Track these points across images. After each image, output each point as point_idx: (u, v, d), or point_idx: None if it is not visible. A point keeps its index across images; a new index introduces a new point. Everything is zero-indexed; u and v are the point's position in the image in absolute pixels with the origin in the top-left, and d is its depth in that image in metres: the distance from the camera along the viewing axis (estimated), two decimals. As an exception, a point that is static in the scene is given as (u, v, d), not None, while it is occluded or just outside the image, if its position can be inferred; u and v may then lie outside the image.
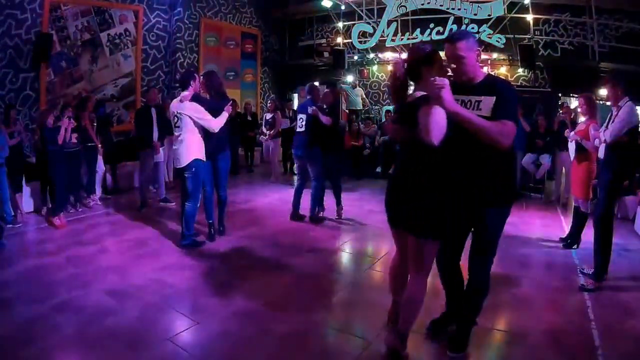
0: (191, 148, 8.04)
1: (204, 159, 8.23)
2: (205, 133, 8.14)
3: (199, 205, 8.29)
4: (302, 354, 4.87)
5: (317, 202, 10.32)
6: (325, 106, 9.93)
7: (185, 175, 7.98)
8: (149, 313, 5.74)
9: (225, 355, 4.82)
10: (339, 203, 10.67)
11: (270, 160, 16.37)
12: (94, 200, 11.62)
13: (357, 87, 19.58)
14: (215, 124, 8.03)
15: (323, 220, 10.35)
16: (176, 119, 7.88)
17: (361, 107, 19.53)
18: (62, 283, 6.60)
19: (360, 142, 16.79)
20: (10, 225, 9.24)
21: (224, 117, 8.17)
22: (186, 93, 7.99)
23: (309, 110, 9.54)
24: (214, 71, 8.46)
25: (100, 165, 11.85)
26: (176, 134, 8.01)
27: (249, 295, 6.19)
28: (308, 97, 10.01)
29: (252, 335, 5.09)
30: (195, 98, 8.10)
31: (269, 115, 16.30)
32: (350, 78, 19.93)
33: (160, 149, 11.51)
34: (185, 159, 8.01)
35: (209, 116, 7.98)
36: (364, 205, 11.80)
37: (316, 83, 17.98)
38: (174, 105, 7.97)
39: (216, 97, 8.47)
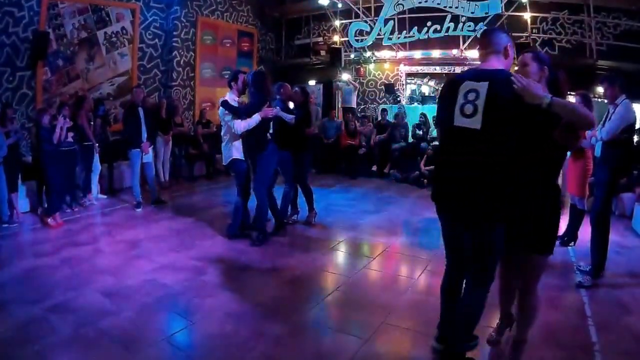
0: (229, 149, 8.55)
1: (243, 158, 8.63)
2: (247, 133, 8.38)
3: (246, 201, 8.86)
4: (297, 354, 4.87)
5: (290, 205, 10.10)
6: (292, 105, 9.75)
7: (231, 173, 8.46)
8: (145, 314, 5.74)
9: (221, 356, 4.81)
10: (311, 209, 10.31)
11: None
12: (90, 200, 11.62)
13: (352, 85, 19.63)
14: (239, 126, 8.14)
15: (292, 223, 10.15)
16: (221, 120, 8.19)
17: (355, 106, 19.57)
18: (58, 284, 6.59)
19: (356, 140, 16.75)
20: (6, 225, 9.28)
21: (253, 119, 8.16)
22: (227, 96, 8.45)
23: (272, 111, 9.21)
24: (260, 70, 8.49)
25: (97, 165, 11.83)
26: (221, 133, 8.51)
27: (244, 296, 6.17)
28: (277, 96, 9.80)
29: (247, 335, 5.08)
30: (224, 103, 8.29)
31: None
32: (345, 76, 19.96)
33: (150, 149, 11.43)
34: (225, 159, 8.73)
35: (234, 118, 8.19)
36: (359, 204, 11.78)
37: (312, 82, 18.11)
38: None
39: (255, 97, 8.48)
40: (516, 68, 4.42)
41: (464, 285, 4.56)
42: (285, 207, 9.87)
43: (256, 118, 8.15)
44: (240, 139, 8.47)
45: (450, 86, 4.19)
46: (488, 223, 3.99)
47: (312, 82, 20.50)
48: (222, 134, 8.57)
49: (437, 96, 5.29)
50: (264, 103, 8.33)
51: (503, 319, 5.21)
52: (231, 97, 8.43)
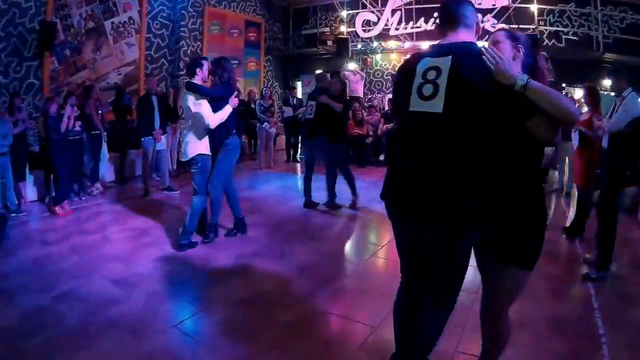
0: (194, 142, 7.76)
1: (209, 153, 7.89)
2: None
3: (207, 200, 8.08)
4: (306, 341, 4.88)
5: (331, 189, 10.32)
6: (334, 94, 9.82)
7: (192, 169, 7.81)
8: (153, 301, 5.77)
9: (231, 343, 4.82)
10: (354, 192, 10.58)
11: (268, 147, 16.26)
12: (98, 189, 11.67)
13: (358, 74, 19.63)
14: (214, 119, 7.56)
15: (339, 207, 10.39)
16: (181, 110, 7.82)
17: (362, 95, 19.60)
18: (66, 272, 6.64)
19: (364, 130, 16.77)
20: (14, 214, 9.32)
21: (225, 112, 7.70)
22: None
23: (320, 99, 9.44)
24: (223, 57, 8.14)
25: (105, 153, 11.86)
26: (182, 126, 7.93)
27: (253, 283, 6.19)
28: (318, 85, 10.01)
29: (256, 322, 5.09)
30: (191, 86, 7.68)
31: (267, 102, 16.26)
32: (352, 66, 19.99)
33: (162, 137, 11.49)
34: (188, 153, 7.78)
35: (207, 110, 7.56)
36: (367, 193, 11.78)
37: (319, 71, 18.10)
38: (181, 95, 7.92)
39: (221, 87, 7.90)
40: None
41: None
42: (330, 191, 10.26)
43: (227, 109, 7.78)
44: (207, 132, 7.81)
45: (406, 67, 3.50)
46: (458, 225, 3.25)
47: (318, 72, 20.37)
48: (185, 125, 8.22)
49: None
50: (232, 93, 7.97)
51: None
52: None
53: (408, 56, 3.69)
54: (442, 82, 3.14)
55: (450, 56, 3.16)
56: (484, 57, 3.08)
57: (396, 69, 3.32)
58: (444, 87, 3.12)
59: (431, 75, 3.21)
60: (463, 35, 3.38)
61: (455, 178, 3.17)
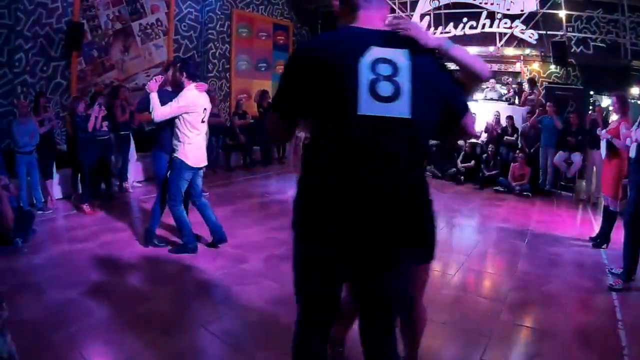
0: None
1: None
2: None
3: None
4: (330, 348, 4.83)
5: None
6: None
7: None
8: (183, 300, 5.83)
9: (260, 343, 4.85)
10: None
11: (297, 150, 16.26)
12: (126, 188, 11.78)
13: None
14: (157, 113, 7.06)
15: None
16: (205, 111, 7.52)
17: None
18: (94, 268, 6.70)
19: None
20: (41, 212, 9.37)
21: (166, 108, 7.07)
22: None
23: None
24: (184, 61, 7.79)
25: (133, 153, 11.98)
26: (204, 129, 7.61)
27: (284, 284, 6.16)
28: None
29: (286, 323, 5.08)
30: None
31: None
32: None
33: None
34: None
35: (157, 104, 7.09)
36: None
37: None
38: (201, 95, 7.55)
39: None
40: None
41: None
42: None
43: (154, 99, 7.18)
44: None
45: (323, 56, 2.63)
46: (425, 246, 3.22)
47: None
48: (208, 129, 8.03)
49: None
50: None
51: None
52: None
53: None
54: (404, 80, 2.58)
55: (407, 50, 2.61)
56: (396, 30, 2.65)
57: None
58: (409, 86, 2.58)
59: (385, 70, 2.57)
60: (377, 18, 2.77)
61: (420, 192, 2.93)
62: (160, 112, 6.98)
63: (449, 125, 2.89)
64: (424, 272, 3.86)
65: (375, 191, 2.60)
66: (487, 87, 17.90)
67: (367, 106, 2.53)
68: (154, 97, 7.04)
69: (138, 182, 12.55)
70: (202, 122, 7.31)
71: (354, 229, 2.63)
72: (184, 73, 7.24)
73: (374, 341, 3.11)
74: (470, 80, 2.89)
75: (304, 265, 3.06)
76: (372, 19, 2.72)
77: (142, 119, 11.41)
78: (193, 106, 7.08)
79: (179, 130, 7.10)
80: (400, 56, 2.59)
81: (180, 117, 7.04)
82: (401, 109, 2.56)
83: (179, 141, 7.12)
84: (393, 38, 2.64)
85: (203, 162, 7.48)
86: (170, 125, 7.16)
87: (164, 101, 7.04)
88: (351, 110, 2.53)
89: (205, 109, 7.32)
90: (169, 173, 7.30)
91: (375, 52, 2.57)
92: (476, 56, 2.96)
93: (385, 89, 2.55)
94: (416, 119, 2.57)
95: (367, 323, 3.13)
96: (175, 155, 7.17)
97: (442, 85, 2.73)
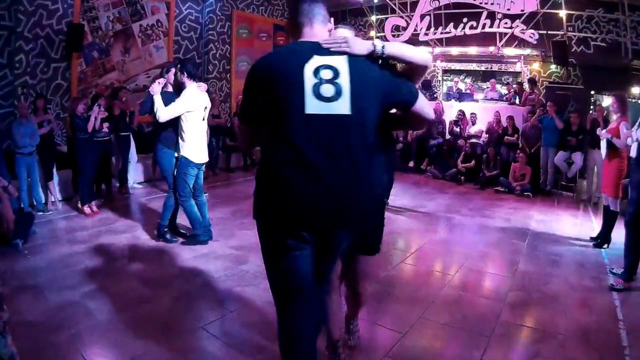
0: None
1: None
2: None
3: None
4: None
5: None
6: None
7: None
8: (183, 301, 5.81)
9: (260, 344, 4.85)
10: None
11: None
12: (126, 189, 11.78)
13: None
14: (162, 114, 7.30)
15: None
16: (206, 110, 7.71)
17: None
18: (94, 270, 6.71)
19: (394, 134, 16.65)
20: (41, 213, 9.42)
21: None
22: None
23: None
24: (183, 62, 7.94)
25: (133, 155, 11.99)
26: (205, 127, 7.78)
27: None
28: None
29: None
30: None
31: None
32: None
33: None
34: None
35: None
36: (396, 200, 11.78)
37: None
38: (202, 95, 7.73)
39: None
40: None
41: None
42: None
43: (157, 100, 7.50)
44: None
45: (277, 68, 3.12)
46: (372, 230, 3.67)
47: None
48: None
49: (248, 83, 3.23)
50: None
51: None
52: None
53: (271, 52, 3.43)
54: (344, 82, 3.04)
55: (346, 55, 3.08)
56: (330, 48, 3.08)
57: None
58: (348, 87, 3.03)
59: (326, 74, 3.03)
60: (319, 32, 3.30)
61: (365, 180, 3.16)
62: (165, 112, 7.20)
63: (404, 115, 3.47)
64: (371, 263, 4.45)
65: (322, 179, 3.00)
66: (488, 87, 17.95)
67: (312, 106, 3.00)
68: (158, 99, 7.25)
69: (138, 183, 12.56)
70: (203, 119, 7.56)
71: (304, 212, 3.05)
72: (185, 73, 7.44)
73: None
74: (414, 70, 3.33)
75: (268, 251, 3.43)
76: (315, 34, 3.25)
77: (143, 120, 11.43)
78: (195, 105, 7.33)
79: (182, 128, 7.35)
80: (340, 62, 3.05)
81: (183, 116, 7.28)
82: (342, 107, 3.01)
83: (183, 140, 7.37)
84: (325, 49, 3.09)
85: (205, 158, 7.78)
86: (171, 124, 7.32)
87: (166, 102, 7.26)
88: (300, 111, 2.99)
89: (205, 107, 7.58)
90: (175, 171, 7.56)
91: (317, 60, 3.05)
92: (416, 48, 3.36)
93: (327, 90, 3.01)
94: (355, 114, 3.02)
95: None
96: (180, 153, 7.42)
97: (382, 82, 3.16)
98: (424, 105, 3.34)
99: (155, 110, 7.28)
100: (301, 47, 3.20)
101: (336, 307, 4.27)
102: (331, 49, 3.06)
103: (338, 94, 3.02)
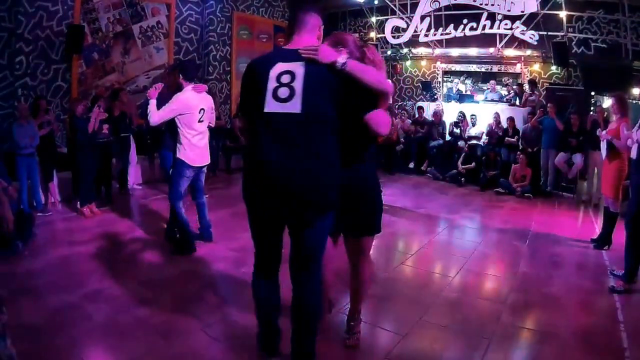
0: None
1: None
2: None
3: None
4: (335, 347, 4.88)
5: None
6: None
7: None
8: (183, 303, 5.79)
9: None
10: None
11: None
12: (126, 191, 11.78)
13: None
14: (152, 118, 7.24)
15: None
16: (202, 112, 7.57)
17: (391, 101, 19.57)
18: (93, 273, 6.68)
19: (395, 135, 16.68)
20: (41, 214, 9.38)
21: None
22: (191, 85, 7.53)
23: None
24: (182, 64, 8.00)
25: (133, 156, 12.00)
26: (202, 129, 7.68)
27: (285, 288, 6.16)
28: None
29: (287, 327, 5.07)
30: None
31: None
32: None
33: None
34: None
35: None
36: (397, 201, 11.79)
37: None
38: (197, 97, 7.58)
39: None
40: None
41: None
42: None
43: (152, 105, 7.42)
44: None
45: (255, 71, 3.83)
46: (320, 210, 3.81)
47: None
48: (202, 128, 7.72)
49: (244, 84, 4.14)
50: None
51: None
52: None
53: (255, 59, 4.03)
54: (298, 85, 3.60)
55: (304, 61, 3.64)
56: (302, 55, 3.63)
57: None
58: (301, 90, 3.59)
59: (285, 79, 3.64)
60: (306, 39, 3.87)
61: (315, 169, 3.67)
62: (154, 116, 7.16)
63: (355, 119, 3.88)
64: (365, 243, 4.67)
65: (277, 166, 3.64)
66: (488, 89, 17.95)
67: (270, 106, 3.66)
68: (152, 103, 7.21)
69: (138, 184, 12.55)
70: (201, 122, 7.43)
71: (269, 195, 3.74)
72: (181, 75, 7.47)
73: (296, 283, 4.18)
74: (373, 90, 3.78)
75: (251, 223, 4.11)
76: (301, 41, 3.84)
77: (139, 122, 11.43)
78: (186, 108, 7.21)
79: (178, 131, 7.28)
80: (297, 67, 3.63)
81: (176, 119, 7.20)
82: (293, 106, 3.59)
83: (179, 142, 7.30)
84: (297, 54, 3.67)
85: (204, 161, 7.67)
86: (170, 127, 7.32)
87: (163, 105, 7.21)
88: (261, 109, 3.69)
89: (202, 109, 7.42)
90: (170, 170, 7.44)
91: (280, 66, 3.68)
92: (378, 73, 3.85)
93: (283, 92, 3.62)
94: (305, 112, 3.58)
95: (291, 269, 4.17)
96: (176, 155, 7.37)
97: (335, 87, 3.64)
98: (377, 120, 3.91)
99: (147, 113, 7.26)
100: (276, 53, 4.03)
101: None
102: (303, 55, 3.62)
103: (292, 95, 3.60)
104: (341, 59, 3.61)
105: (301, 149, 3.63)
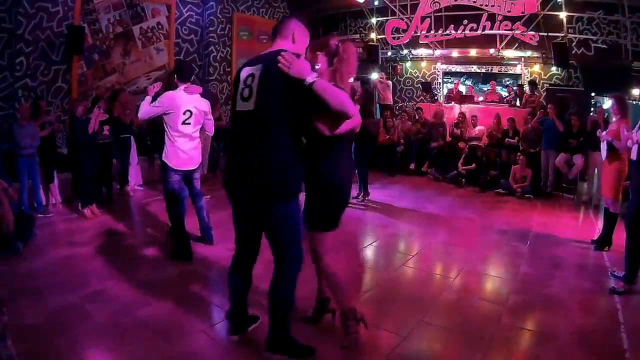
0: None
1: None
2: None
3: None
4: (337, 347, 4.87)
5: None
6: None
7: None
8: (183, 304, 5.78)
9: (261, 348, 4.76)
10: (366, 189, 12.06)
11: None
12: (127, 192, 11.78)
13: (384, 82, 19.62)
14: (140, 112, 7.34)
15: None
16: (189, 113, 7.39)
17: (391, 102, 19.60)
18: (94, 273, 6.68)
19: (395, 136, 16.72)
20: (41, 215, 9.38)
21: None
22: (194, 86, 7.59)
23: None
24: (178, 64, 7.97)
25: (134, 157, 12.00)
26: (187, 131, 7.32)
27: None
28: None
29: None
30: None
31: None
32: (374, 75, 19.94)
33: None
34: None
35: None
36: (397, 202, 11.79)
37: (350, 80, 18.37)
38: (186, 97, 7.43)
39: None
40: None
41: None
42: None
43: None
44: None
45: (236, 76, 4.39)
46: (273, 197, 4.14)
47: (350, 79, 20.21)
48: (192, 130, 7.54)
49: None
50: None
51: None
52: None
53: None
54: (255, 85, 4.06)
55: (261, 64, 4.09)
56: (280, 63, 3.88)
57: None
58: (256, 90, 4.05)
59: (249, 81, 4.13)
60: (278, 44, 4.32)
61: (265, 160, 4.06)
62: (142, 110, 7.19)
63: (307, 119, 4.21)
64: (318, 238, 4.86)
65: (241, 158, 4.24)
66: (488, 90, 17.95)
67: (237, 105, 4.26)
68: (147, 99, 7.24)
69: (139, 185, 12.54)
70: (186, 124, 7.21)
71: (238, 184, 4.33)
72: (175, 75, 7.53)
73: (274, 273, 4.65)
74: (336, 110, 3.96)
75: (232, 213, 4.69)
76: (276, 45, 4.33)
77: (138, 123, 11.44)
78: (171, 106, 7.07)
79: (164, 132, 7.24)
80: (257, 70, 4.09)
81: (163, 118, 7.15)
82: (250, 105, 4.08)
83: (164, 143, 7.26)
84: (261, 58, 4.21)
85: (189, 165, 7.41)
86: (157, 128, 7.35)
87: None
88: (234, 108, 4.35)
89: (189, 110, 7.20)
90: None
91: (246, 70, 4.24)
92: (342, 97, 4.00)
93: (246, 92, 4.13)
94: (257, 110, 4.04)
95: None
96: (162, 157, 7.33)
97: (283, 90, 3.96)
98: (321, 123, 4.22)
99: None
100: (253, 58, 4.41)
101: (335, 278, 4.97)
102: (279, 65, 3.89)
103: (250, 95, 4.09)
104: (310, 78, 3.83)
105: (254, 143, 4.11)
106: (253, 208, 4.31)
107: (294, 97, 3.95)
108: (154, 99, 7.23)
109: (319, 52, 4.59)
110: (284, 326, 4.56)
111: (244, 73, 4.22)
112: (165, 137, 7.20)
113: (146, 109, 7.13)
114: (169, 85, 7.63)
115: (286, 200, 4.16)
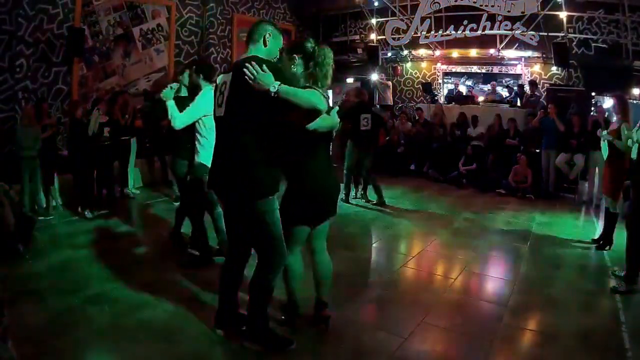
0: None
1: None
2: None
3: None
4: (338, 350, 4.88)
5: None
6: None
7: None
8: (185, 306, 5.76)
9: (262, 350, 4.75)
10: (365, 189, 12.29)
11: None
12: (127, 194, 11.75)
13: (384, 83, 19.63)
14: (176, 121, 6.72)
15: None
16: None
17: (392, 103, 19.60)
18: (95, 276, 6.67)
19: (395, 137, 16.71)
20: (42, 218, 9.34)
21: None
22: None
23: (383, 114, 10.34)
24: (199, 63, 7.87)
25: (135, 159, 11.97)
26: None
27: (284, 291, 6.14)
28: (357, 100, 11.64)
29: (285, 330, 5.07)
30: None
31: None
32: (374, 76, 19.91)
33: None
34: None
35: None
36: (398, 202, 11.79)
37: (350, 80, 18.39)
38: None
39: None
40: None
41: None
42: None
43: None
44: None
45: (216, 83, 4.71)
46: (248, 197, 4.33)
47: (350, 80, 20.49)
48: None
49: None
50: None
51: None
52: None
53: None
54: (226, 92, 4.35)
55: (231, 72, 4.36)
56: (245, 72, 4.06)
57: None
58: (226, 97, 4.34)
59: (222, 88, 4.44)
60: (250, 49, 4.53)
61: (242, 163, 4.29)
62: (180, 119, 6.62)
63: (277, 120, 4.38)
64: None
65: (220, 159, 4.53)
66: (489, 90, 17.94)
67: (216, 111, 4.58)
68: (172, 105, 6.64)
69: (139, 187, 12.52)
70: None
71: (218, 184, 4.60)
72: (201, 75, 7.06)
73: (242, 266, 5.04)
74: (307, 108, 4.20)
75: (224, 214, 5.06)
76: (249, 50, 4.54)
77: (138, 125, 11.41)
78: (211, 108, 6.90)
79: (199, 134, 6.85)
80: (228, 78, 4.36)
81: (199, 120, 6.76)
82: (222, 111, 4.40)
83: (200, 144, 6.86)
84: (234, 66, 4.46)
85: None
86: (186, 131, 6.92)
87: (180, 107, 6.68)
88: (215, 114, 4.63)
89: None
90: (188, 177, 7.24)
91: (222, 77, 4.57)
92: (310, 94, 4.24)
93: (220, 99, 4.45)
94: (227, 116, 4.36)
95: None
96: (197, 159, 6.93)
97: (252, 98, 4.16)
98: (295, 117, 4.36)
99: (170, 117, 6.64)
100: (231, 65, 4.70)
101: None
102: (246, 77, 4.08)
103: (222, 101, 4.40)
104: (272, 88, 4.02)
105: (227, 146, 4.42)
106: (234, 207, 4.61)
107: (262, 103, 4.14)
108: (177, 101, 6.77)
109: (295, 55, 4.73)
110: (261, 315, 4.77)
111: (220, 81, 4.57)
112: (202, 138, 6.82)
113: (185, 115, 6.63)
114: (192, 86, 7.43)
115: (259, 199, 4.31)
